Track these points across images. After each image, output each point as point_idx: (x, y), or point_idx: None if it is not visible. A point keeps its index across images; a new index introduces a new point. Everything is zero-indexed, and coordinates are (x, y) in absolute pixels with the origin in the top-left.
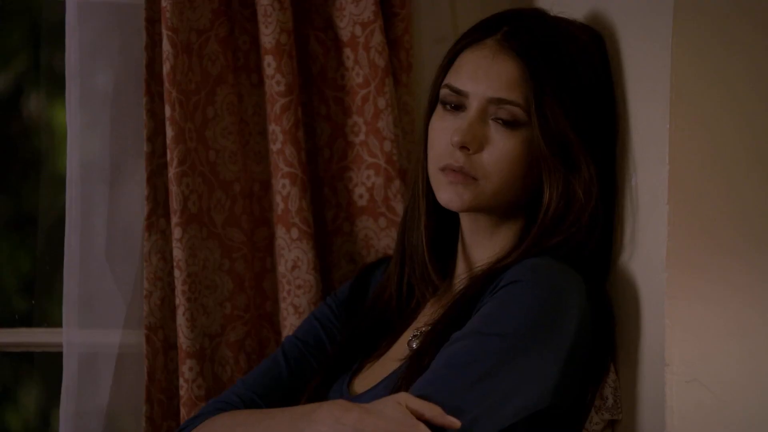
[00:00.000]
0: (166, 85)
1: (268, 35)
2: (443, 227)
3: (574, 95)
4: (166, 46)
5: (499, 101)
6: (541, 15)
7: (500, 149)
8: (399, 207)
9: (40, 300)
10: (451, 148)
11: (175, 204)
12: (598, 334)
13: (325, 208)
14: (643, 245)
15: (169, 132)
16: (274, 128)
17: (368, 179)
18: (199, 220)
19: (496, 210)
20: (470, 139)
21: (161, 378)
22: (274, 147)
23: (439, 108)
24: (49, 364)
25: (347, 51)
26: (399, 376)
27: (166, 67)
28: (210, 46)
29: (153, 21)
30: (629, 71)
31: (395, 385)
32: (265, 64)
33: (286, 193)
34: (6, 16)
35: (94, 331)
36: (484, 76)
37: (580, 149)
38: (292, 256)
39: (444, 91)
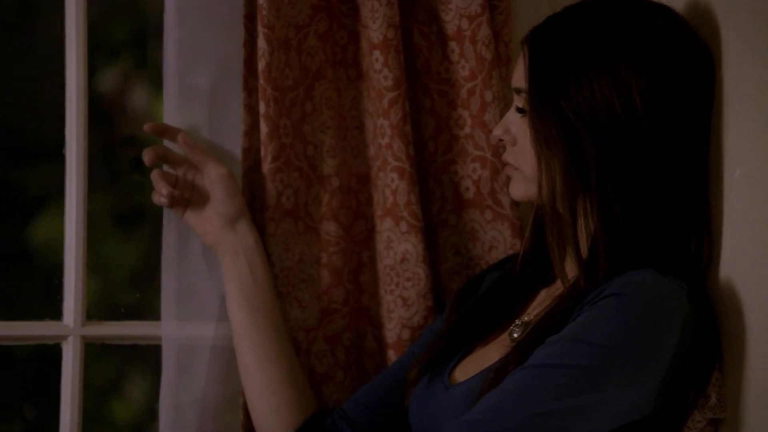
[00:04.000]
0: (261, 81)
1: (375, 30)
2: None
3: (591, 79)
4: (261, 42)
5: (516, 90)
6: (581, 9)
7: (522, 137)
8: (505, 200)
9: (146, 293)
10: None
11: (268, 199)
12: (703, 341)
13: (431, 201)
14: (747, 239)
15: (264, 128)
16: (382, 122)
17: (474, 172)
18: (293, 214)
19: (533, 199)
20: (501, 132)
21: None
22: (383, 141)
23: None
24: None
25: (452, 44)
26: (492, 369)
27: (261, 64)
28: (309, 41)
29: (251, 17)
30: (731, 56)
31: (487, 379)
32: (372, 59)
33: (394, 186)
34: (112, 13)
35: (191, 324)
36: (517, 70)
37: (582, 130)
38: (401, 248)
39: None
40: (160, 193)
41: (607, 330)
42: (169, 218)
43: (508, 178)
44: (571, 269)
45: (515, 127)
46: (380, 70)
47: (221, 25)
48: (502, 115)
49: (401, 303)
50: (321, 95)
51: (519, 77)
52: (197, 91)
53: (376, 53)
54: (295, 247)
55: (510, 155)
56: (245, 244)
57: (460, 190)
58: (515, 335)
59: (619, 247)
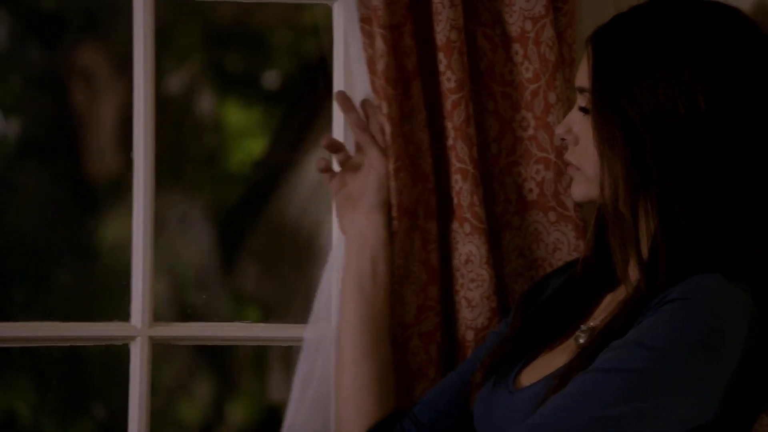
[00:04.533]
0: (381, 81)
1: (439, 32)
2: None
3: (653, 80)
4: (379, 44)
5: (579, 90)
6: (644, 9)
7: (584, 136)
8: (569, 201)
9: (211, 295)
10: None
11: (392, 198)
12: None
13: (494, 203)
14: None
15: (387, 128)
16: (446, 124)
17: (537, 174)
18: (407, 213)
19: (615, 201)
20: (563, 131)
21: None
22: (447, 143)
23: None
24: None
25: (516, 46)
26: (556, 374)
27: (380, 65)
28: (405, 41)
29: (367, 20)
30: None
31: (551, 384)
32: (437, 61)
33: (458, 188)
34: (180, 18)
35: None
36: (581, 70)
37: (645, 131)
38: (465, 250)
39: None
40: (330, 168)
41: (670, 335)
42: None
43: (571, 179)
44: (633, 272)
45: (578, 126)
46: (443, 72)
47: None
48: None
49: (465, 304)
50: (417, 95)
51: (583, 77)
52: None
53: (440, 55)
54: (404, 245)
55: (572, 155)
56: (376, 236)
57: (523, 192)
58: (581, 340)
59: (680, 249)
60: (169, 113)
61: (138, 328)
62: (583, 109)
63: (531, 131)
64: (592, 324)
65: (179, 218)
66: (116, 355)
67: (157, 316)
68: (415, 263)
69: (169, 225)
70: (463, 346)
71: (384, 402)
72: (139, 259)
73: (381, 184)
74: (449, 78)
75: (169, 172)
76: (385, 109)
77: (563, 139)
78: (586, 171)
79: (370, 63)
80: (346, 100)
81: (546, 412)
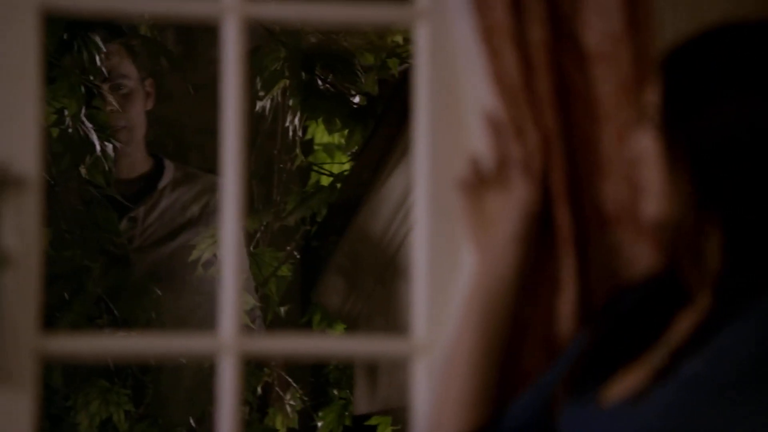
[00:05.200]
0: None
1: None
2: None
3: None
4: (508, 57)
5: (650, 108)
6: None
7: (654, 155)
8: (645, 217)
9: (298, 307)
10: None
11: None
12: None
13: (577, 218)
14: None
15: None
16: None
17: (616, 190)
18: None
19: (684, 219)
20: (632, 149)
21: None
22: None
23: None
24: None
25: (595, 64)
26: (637, 392)
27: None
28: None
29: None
30: None
31: (632, 401)
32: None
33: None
34: (271, 43)
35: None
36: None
37: (712, 152)
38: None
39: None
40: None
41: (746, 349)
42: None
43: (641, 196)
44: (705, 292)
45: (648, 144)
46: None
47: None
48: None
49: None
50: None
51: (654, 96)
52: None
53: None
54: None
55: (642, 173)
56: (507, 268)
57: (603, 208)
58: (659, 358)
59: (748, 266)
60: (258, 133)
61: (227, 340)
62: (655, 127)
63: (608, 149)
64: (670, 341)
65: (271, 234)
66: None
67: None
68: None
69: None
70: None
71: (474, 421)
72: (229, 272)
73: (522, 215)
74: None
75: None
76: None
77: (633, 157)
78: (655, 189)
79: (499, 77)
80: (495, 122)
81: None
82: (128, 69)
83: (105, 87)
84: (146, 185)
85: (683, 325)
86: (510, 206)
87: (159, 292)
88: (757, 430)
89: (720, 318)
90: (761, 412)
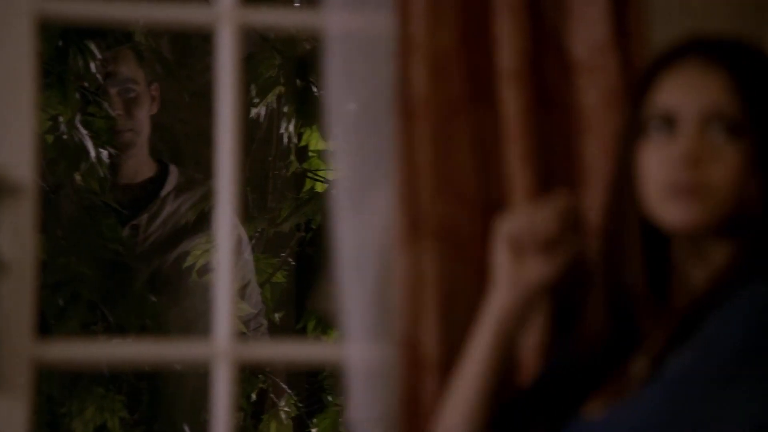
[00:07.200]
0: (420, 107)
1: (504, 59)
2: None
3: None
4: (419, 69)
5: (719, 114)
6: (729, 36)
7: (727, 161)
8: None
9: (293, 314)
10: (675, 168)
11: (427, 222)
12: None
13: None
14: None
15: (423, 154)
16: (509, 151)
17: (595, 199)
18: (449, 238)
19: (713, 226)
20: (698, 154)
21: (411, 392)
22: (510, 170)
23: (647, 136)
24: (302, 374)
25: (581, 73)
26: (626, 400)
27: (418, 90)
28: (453, 69)
29: (404, 44)
30: None
31: (622, 407)
32: (501, 88)
33: None
34: (267, 49)
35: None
36: (696, 90)
37: None
38: None
39: (651, 116)
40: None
41: (734, 342)
42: (334, 240)
43: (684, 204)
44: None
45: (707, 151)
46: (509, 99)
47: (373, 52)
48: None
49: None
50: (464, 122)
51: (716, 101)
52: (350, 117)
53: (505, 82)
54: (453, 271)
55: (700, 179)
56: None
57: (585, 218)
58: (639, 367)
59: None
60: (253, 139)
61: (221, 347)
62: (729, 134)
63: (591, 158)
64: (648, 351)
65: (266, 240)
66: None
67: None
68: (465, 288)
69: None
70: (525, 368)
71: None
72: (223, 278)
73: (565, 268)
74: (515, 105)
75: (251, 195)
76: (420, 133)
77: (693, 160)
78: (721, 196)
79: (400, 87)
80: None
81: None
82: (136, 73)
83: (113, 91)
84: (151, 190)
85: (656, 331)
86: (558, 259)
87: (155, 299)
88: (746, 421)
89: (700, 311)
90: (751, 403)
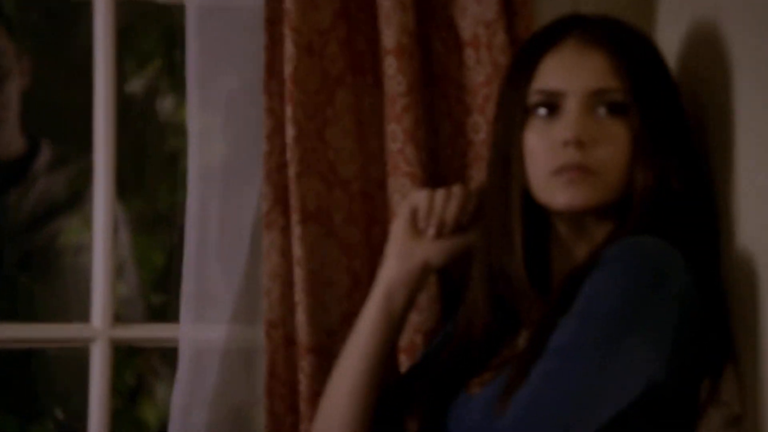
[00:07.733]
0: (288, 85)
1: (389, 36)
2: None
3: (665, 82)
4: (288, 46)
5: (601, 92)
6: (607, 16)
7: (613, 141)
8: None
9: (174, 296)
10: (561, 149)
11: (295, 202)
12: (712, 324)
13: None
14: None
15: (290, 132)
16: (394, 128)
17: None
18: (317, 218)
19: (602, 206)
20: (583, 135)
21: (281, 373)
22: (394, 146)
23: (531, 118)
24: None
25: (469, 50)
26: (512, 365)
27: (288, 68)
28: (330, 47)
29: (274, 21)
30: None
31: (506, 380)
32: (386, 64)
33: (406, 192)
34: (142, 22)
35: (208, 327)
36: (578, 71)
37: (673, 135)
38: None
39: (535, 98)
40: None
41: (610, 300)
42: (190, 219)
43: (572, 184)
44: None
45: (592, 129)
46: (394, 76)
47: (241, 29)
48: None
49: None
50: (342, 101)
51: (598, 79)
52: (218, 95)
53: (390, 59)
54: (320, 251)
55: (587, 159)
56: (420, 282)
57: None
58: (522, 340)
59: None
60: (130, 115)
61: (98, 329)
62: (612, 112)
63: (482, 135)
64: (529, 326)
65: (143, 220)
66: (79, 356)
67: (121, 317)
68: (336, 270)
69: (132, 227)
70: (411, 350)
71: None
72: (100, 260)
73: (455, 254)
74: (400, 81)
75: (129, 173)
76: (289, 112)
77: (579, 142)
78: (609, 174)
79: (270, 65)
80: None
81: (518, 413)
82: (7, 46)
83: None
84: (21, 168)
85: (537, 307)
86: (452, 244)
87: (25, 280)
88: (638, 382)
89: (580, 273)
90: (642, 363)
